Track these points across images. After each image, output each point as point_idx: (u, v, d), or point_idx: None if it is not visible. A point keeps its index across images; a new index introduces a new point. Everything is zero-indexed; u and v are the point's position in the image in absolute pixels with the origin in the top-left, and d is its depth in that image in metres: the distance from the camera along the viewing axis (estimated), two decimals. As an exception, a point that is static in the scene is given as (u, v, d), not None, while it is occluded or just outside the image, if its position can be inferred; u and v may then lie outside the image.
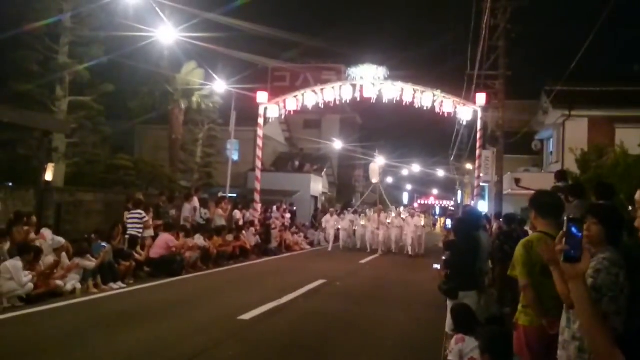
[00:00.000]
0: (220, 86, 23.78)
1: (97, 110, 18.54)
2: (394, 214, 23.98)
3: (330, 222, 23.60)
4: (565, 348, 2.88)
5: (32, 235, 10.97)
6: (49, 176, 14.01)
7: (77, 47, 17.89)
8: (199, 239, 14.86)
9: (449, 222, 10.25)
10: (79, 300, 9.77)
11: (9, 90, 16.69)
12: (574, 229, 2.14)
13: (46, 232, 11.27)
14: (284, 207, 24.46)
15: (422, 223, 22.68)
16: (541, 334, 3.51)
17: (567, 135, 22.17)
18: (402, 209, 26.80)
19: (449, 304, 6.82)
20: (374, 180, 26.64)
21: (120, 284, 11.33)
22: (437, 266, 10.15)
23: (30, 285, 9.27)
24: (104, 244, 11.66)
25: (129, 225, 13.49)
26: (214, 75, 23.16)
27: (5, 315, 8.36)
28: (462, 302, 5.80)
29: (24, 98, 16.70)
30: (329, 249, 22.70)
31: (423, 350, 7.29)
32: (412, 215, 22.27)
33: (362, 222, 23.98)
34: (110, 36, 18.30)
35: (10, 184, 14.23)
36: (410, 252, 20.94)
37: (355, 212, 26.36)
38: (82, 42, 17.92)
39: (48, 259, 10.28)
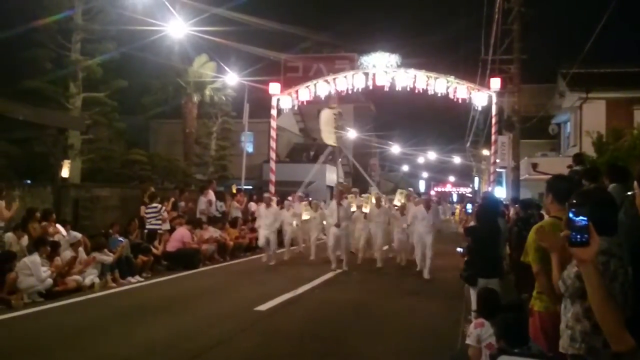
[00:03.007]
0: (232, 79, 23.79)
1: (111, 106, 18.67)
2: (374, 200, 14.93)
3: (268, 217, 14.44)
4: (562, 336, 2.85)
5: (51, 229, 11.10)
6: (65, 173, 14.13)
7: (89, 43, 17.99)
8: (214, 232, 14.94)
9: (469, 207, 10.19)
10: (97, 294, 9.87)
11: (24, 89, 16.84)
12: (574, 215, 2.11)
13: (60, 228, 11.41)
14: (299, 197, 24.39)
15: (443, 215, 15.55)
16: (556, 319, 3.45)
17: (585, 118, 21.85)
18: (398, 194, 16.41)
19: (472, 290, 6.80)
20: (329, 141, 15.29)
21: (138, 277, 11.44)
22: (460, 249, 10.10)
23: (50, 281, 9.39)
24: (121, 238, 11.79)
25: (147, 220, 13.69)
26: (226, 68, 23.17)
27: (26, 310, 8.48)
28: (490, 287, 5.79)
29: (38, 96, 16.86)
30: (264, 258, 14.54)
31: (437, 338, 7.26)
32: (428, 206, 12.90)
33: (306, 217, 15.66)
34: (121, 31, 18.38)
35: (28, 182, 14.39)
36: (425, 274, 12.38)
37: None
38: (94, 39, 18.02)
39: (65, 254, 10.39)
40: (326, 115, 14.81)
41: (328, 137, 14.81)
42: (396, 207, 15.25)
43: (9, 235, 10.31)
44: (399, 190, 17.30)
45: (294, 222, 15.77)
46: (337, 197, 14.01)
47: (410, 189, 20.78)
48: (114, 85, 18.61)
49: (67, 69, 17.61)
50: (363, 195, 15.97)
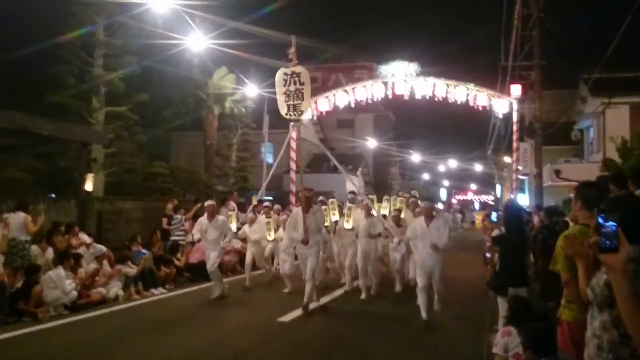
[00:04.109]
0: (252, 90, 23.94)
1: (132, 120, 18.92)
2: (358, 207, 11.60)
3: (211, 233, 10.95)
4: (587, 345, 2.79)
5: (74, 241, 11.24)
6: (89, 186, 14.32)
7: (110, 58, 18.27)
8: (236, 243, 14.98)
9: (494, 215, 10.07)
10: (121, 306, 9.96)
11: (48, 104, 17.15)
12: (603, 220, 2.08)
13: (83, 236, 11.57)
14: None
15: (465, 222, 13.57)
16: (585, 329, 3.39)
17: (608, 124, 21.54)
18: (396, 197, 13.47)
19: (500, 299, 6.73)
20: (282, 111, 10.95)
21: (161, 289, 11.52)
22: (489, 255, 9.98)
23: (74, 293, 9.50)
24: (144, 250, 11.90)
25: (172, 231, 13.93)
26: (246, 80, 23.33)
27: (52, 323, 8.58)
28: (521, 295, 5.75)
29: (62, 111, 17.15)
30: (218, 292, 10.86)
31: (463, 348, 7.18)
32: (430, 216, 8.80)
33: (270, 237, 12.40)
34: (141, 45, 18.62)
35: (53, 195, 14.60)
36: (435, 305, 9.04)
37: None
38: (116, 53, 18.30)
39: (90, 266, 10.52)
40: (277, 79, 10.80)
41: (281, 106, 10.68)
42: (384, 216, 11.97)
43: (35, 248, 10.47)
44: (385, 197, 13.39)
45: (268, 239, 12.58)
46: (302, 203, 9.89)
47: (413, 191, 15.26)
48: (135, 99, 18.85)
49: (89, 83, 17.91)
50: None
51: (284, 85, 10.53)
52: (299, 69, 10.58)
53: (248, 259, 12.73)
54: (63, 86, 17.64)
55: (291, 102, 10.53)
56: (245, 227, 13.04)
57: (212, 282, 11.06)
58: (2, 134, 11.28)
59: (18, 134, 11.40)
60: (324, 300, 10.37)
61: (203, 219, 11.13)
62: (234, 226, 12.48)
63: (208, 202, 11.53)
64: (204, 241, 11.00)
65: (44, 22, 18.40)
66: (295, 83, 10.47)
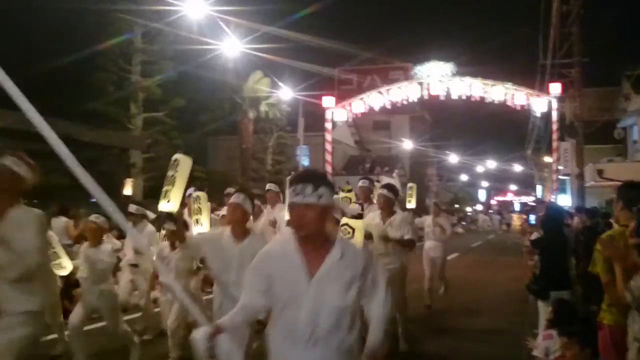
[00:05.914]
0: (286, 94, 24.06)
1: (169, 125, 19.24)
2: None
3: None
4: (630, 349, 2.70)
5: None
6: (128, 190, 14.57)
7: (148, 65, 18.63)
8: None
9: (532, 218, 9.84)
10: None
11: (88, 111, 17.58)
12: None
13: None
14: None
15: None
16: (627, 333, 3.27)
17: (653, 122, 20.93)
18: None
19: (540, 303, 6.60)
20: None
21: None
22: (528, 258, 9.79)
23: (116, 296, 9.65)
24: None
25: None
26: (280, 84, 23.46)
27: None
28: (564, 299, 5.63)
29: (101, 117, 17.57)
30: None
31: (502, 352, 7.04)
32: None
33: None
34: (178, 51, 18.94)
35: (94, 200, 14.94)
36: None
37: None
38: (153, 60, 18.65)
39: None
40: None
41: None
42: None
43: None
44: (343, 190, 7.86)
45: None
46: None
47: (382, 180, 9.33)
48: (172, 104, 19.18)
49: (127, 90, 18.29)
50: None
51: None
52: None
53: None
54: (102, 93, 18.07)
55: None
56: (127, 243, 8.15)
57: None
58: (45, 140, 11.58)
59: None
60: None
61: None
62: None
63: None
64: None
65: (84, 31, 18.89)
66: None
